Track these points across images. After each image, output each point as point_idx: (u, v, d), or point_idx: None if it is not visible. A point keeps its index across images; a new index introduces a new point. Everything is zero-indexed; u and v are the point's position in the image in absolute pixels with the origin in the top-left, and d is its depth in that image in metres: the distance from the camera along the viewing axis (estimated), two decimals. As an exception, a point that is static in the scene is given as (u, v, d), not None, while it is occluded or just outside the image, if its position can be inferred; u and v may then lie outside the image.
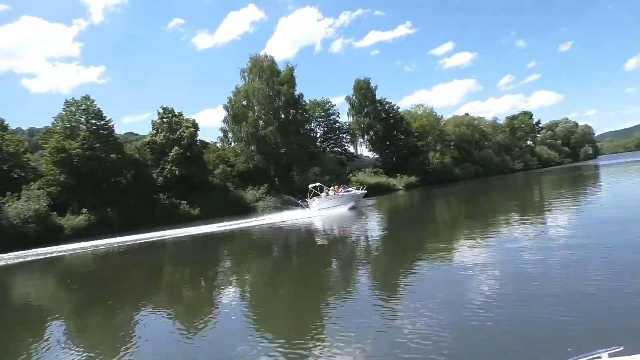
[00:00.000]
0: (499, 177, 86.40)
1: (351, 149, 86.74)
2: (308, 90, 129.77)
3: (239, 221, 34.29)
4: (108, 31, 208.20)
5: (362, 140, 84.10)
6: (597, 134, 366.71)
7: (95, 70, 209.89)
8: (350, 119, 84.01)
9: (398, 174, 77.00)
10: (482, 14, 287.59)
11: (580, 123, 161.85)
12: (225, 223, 33.80)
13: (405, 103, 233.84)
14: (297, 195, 47.07)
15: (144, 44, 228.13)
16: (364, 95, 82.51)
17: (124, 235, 32.24)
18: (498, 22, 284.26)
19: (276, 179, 61.26)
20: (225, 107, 63.17)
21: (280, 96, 63.37)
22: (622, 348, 2.34)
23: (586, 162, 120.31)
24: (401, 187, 74.83)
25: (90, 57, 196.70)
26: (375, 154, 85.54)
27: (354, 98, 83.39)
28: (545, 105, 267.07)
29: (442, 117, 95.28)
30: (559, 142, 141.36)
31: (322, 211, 35.38)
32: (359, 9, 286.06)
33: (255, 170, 60.60)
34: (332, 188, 39.37)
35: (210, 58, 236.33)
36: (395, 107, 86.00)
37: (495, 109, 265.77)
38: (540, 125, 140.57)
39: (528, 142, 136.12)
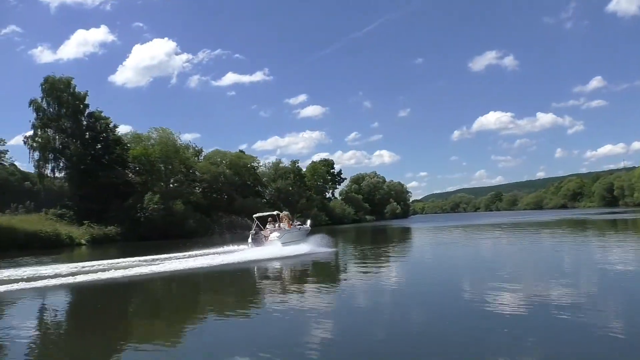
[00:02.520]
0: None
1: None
2: (160, 123, 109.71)
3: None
4: None
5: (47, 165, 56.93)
6: (426, 194, 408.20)
7: None
8: (31, 132, 56.38)
9: (87, 221, 51.62)
10: (334, 72, 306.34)
11: (414, 184, 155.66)
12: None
13: (257, 147, 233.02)
14: None
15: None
16: (60, 100, 56.44)
17: None
18: (348, 81, 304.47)
19: None
20: None
21: None
22: None
23: (389, 222, 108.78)
24: (83, 242, 49.47)
25: None
26: (69, 187, 58.91)
27: (43, 102, 56.60)
28: (385, 163, 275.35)
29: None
30: (360, 197, 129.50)
31: (286, 248, 27.17)
32: (219, 49, 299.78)
33: None
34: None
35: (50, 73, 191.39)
36: (112, 126, 61.17)
37: (342, 162, 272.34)
38: (342, 176, 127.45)
39: (327, 194, 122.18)
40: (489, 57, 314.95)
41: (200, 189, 72.17)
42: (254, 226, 31.08)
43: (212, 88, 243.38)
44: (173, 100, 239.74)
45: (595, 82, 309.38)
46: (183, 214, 60.52)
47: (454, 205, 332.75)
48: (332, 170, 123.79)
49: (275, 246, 27.34)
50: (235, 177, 79.63)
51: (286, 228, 30.49)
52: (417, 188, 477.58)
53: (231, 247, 30.00)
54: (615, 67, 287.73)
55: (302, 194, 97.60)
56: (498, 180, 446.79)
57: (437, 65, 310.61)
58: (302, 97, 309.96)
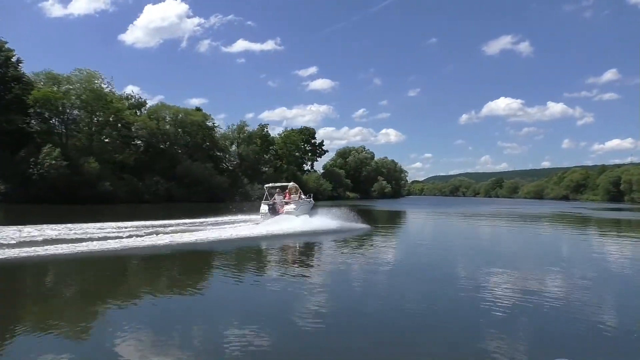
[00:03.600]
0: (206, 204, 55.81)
1: None
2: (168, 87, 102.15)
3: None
4: None
5: None
6: (429, 175, 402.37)
7: None
8: None
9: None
10: (346, 47, 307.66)
11: (418, 164, 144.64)
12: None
13: (264, 117, 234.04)
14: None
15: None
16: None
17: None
18: (360, 56, 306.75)
19: None
20: None
21: None
22: None
23: (372, 202, 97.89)
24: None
25: None
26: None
27: None
28: (391, 142, 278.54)
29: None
30: (342, 172, 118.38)
31: (312, 222, 25.22)
32: (232, 14, 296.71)
33: None
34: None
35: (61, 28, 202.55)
36: (15, 61, 49.89)
37: (348, 137, 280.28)
38: (324, 148, 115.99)
39: (306, 166, 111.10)
40: (503, 42, 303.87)
41: (139, 149, 61.19)
42: (265, 196, 29.95)
43: (222, 54, 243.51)
44: (182, 64, 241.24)
45: (610, 75, 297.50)
46: (97, 174, 49.73)
47: (453, 188, 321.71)
48: (313, 141, 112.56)
49: (293, 218, 25.70)
50: (187, 137, 68.68)
51: (298, 200, 29.04)
52: (421, 169, 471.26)
53: (243, 217, 29.53)
54: (631, 60, 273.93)
55: (269, 162, 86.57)
56: (502, 167, 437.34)
57: (451, 46, 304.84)
58: (312, 70, 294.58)
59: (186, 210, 35.44)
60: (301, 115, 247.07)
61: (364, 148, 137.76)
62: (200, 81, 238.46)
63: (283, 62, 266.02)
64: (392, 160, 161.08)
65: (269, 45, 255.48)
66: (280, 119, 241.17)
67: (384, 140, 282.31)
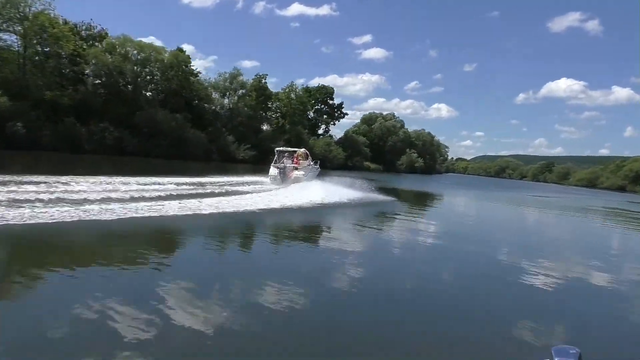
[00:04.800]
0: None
1: None
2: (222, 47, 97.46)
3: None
4: None
5: None
6: (479, 154, 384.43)
7: None
8: None
9: None
10: (404, 16, 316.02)
11: (468, 142, 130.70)
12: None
13: (314, 83, 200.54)
14: None
15: None
16: None
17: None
18: (416, 26, 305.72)
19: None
20: None
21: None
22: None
23: (395, 176, 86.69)
24: None
25: None
26: None
27: None
28: (442, 117, 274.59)
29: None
30: (363, 139, 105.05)
31: (330, 192, 23.54)
32: None
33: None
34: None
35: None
36: None
37: (398, 110, 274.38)
38: (344, 110, 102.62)
39: (319, 130, 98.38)
40: (571, 19, 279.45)
41: (90, 89, 50.50)
42: (275, 159, 30.08)
43: (277, 17, 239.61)
44: (237, 25, 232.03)
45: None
46: (10, 111, 39.49)
47: (499, 169, 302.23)
48: (330, 102, 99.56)
49: (301, 184, 25.64)
50: (163, 81, 57.69)
51: (306, 166, 29.67)
52: (470, 147, 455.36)
53: (249, 179, 27.54)
54: None
55: (268, 120, 74.70)
56: (558, 151, 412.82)
57: (514, 21, 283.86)
58: (366, 38, 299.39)
59: (133, 168, 30.35)
60: (352, 84, 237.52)
61: (394, 115, 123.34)
62: (254, 43, 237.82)
63: (337, 28, 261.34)
64: (429, 133, 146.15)
65: (324, 10, 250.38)
66: (330, 86, 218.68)
67: (435, 115, 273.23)
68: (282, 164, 28.87)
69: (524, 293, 9.54)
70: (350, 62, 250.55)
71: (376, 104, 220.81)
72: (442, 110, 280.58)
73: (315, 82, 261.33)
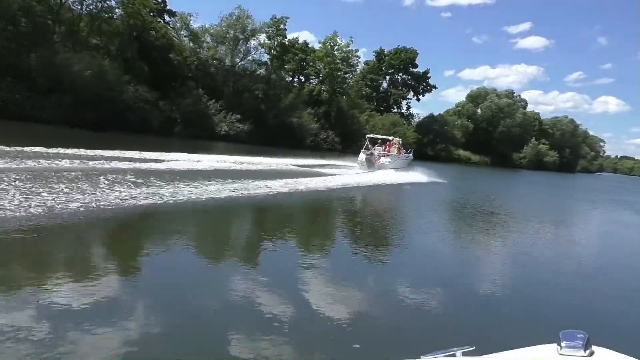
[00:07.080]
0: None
1: None
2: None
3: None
4: None
5: None
6: None
7: None
8: None
9: None
10: (570, 1, 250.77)
11: (638, 140, 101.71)
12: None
13: (464, 75, 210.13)
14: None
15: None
16: None
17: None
18: (583, 11, 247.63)
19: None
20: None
21: None
22: (474, 348, 2.47)
23: (503, 172, 65.49)
24: None
25: None
26: None
27: None
28: (609, 112, 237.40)
29: None
30: (463, 122, 77.60)
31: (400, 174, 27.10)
32: None
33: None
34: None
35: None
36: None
37: (556, 103, 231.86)
38: (430, 82, 75.73)
39: (402, 103, 73.12)
40: None
41: None
42: (366, 145, 31.44)
43: (427, 7, 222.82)
44: (386, 17, 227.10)
45: None
46: None
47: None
48: (411, 69, 73.53)
49: (388, 171, 26.85)
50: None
51: (395, 154, 30.71)
52: None
53: (339, 162, 29.61)
54: None
55: (291, 87, 52.52)
56: None
57: None
58: (524, 26, 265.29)
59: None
60: (505, 75, 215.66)
61: (512, 93, 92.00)
62: (404, 34, 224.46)
63: (492, 16, 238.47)
64: (571, 120, 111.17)
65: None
66: (481, 78, 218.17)
67: (601, 109, 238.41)
68: (371, 151, 30.15)
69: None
70: (504, 53, 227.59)
71: (531, 97, 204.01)
72: (609, 103, 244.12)
73: (464, 74, 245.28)
